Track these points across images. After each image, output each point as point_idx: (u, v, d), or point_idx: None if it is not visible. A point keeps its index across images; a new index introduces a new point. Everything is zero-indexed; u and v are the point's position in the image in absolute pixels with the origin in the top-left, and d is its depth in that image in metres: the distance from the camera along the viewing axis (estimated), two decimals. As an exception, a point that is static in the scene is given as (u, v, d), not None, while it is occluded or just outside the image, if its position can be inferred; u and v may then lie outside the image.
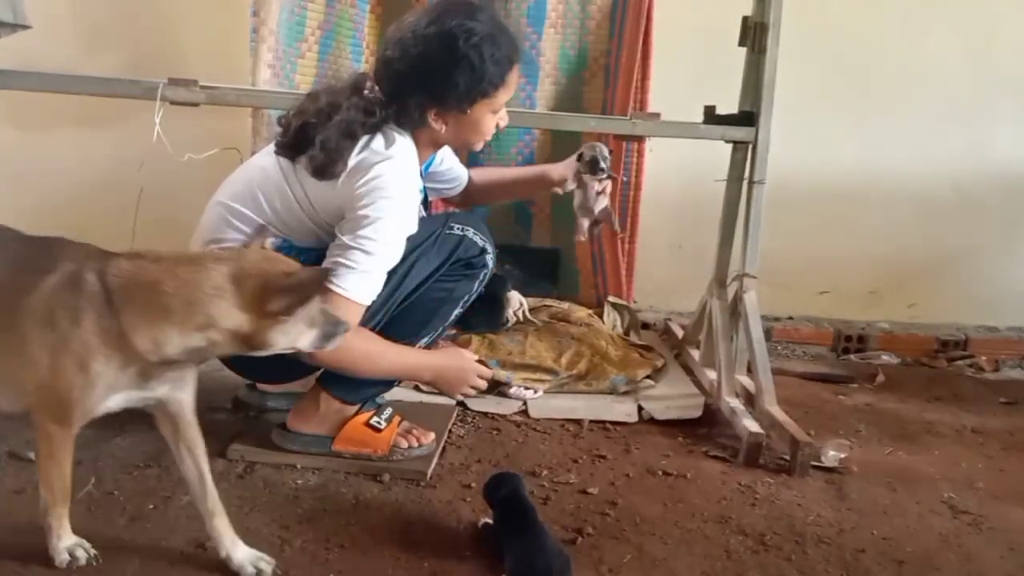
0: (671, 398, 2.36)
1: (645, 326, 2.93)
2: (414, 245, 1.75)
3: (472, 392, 1.97)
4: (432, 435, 1.93)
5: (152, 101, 2.00)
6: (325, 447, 1.85)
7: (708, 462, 2.02)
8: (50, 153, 2.85)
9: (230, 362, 1.82)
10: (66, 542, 1.43)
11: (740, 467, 1.99)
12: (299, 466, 1.84)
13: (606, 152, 2.16)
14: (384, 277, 1.67)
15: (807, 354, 3.00)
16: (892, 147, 3.02)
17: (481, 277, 1.91)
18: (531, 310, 2.62)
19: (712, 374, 2.36)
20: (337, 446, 1.85)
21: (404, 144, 1.73)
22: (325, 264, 1.62)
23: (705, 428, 2.20)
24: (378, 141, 1.69)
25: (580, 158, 2.16)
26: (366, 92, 1.76)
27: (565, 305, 2.73)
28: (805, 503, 1.84)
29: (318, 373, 1.83)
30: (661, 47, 2.64)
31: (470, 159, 2.22)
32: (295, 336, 1.34)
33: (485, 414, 2.20)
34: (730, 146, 2.36)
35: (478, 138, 1.83)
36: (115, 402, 1.34)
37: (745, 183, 2.30)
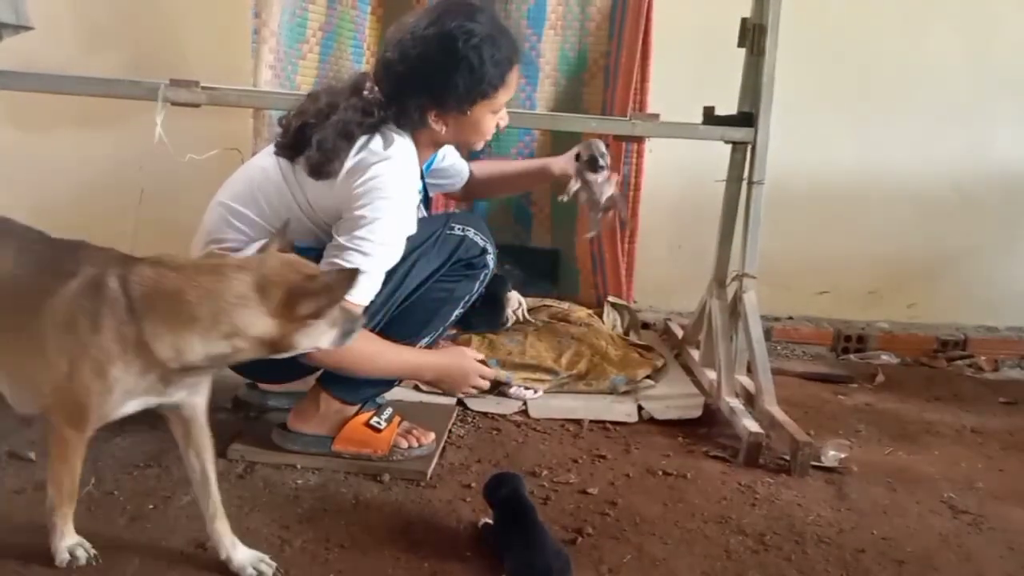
0: (671, 398, 2.36)
1: (645, 326, 2.93)
2: (415, 245, 1.75)
3: (474, 392, 1.97)
4: (432, 435, 1.93)
5: (153, 102, 2.00)
6: (325, 447, 1.85)
7: (708, 462, 2.02)
8: (51, 153, 2.84)
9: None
10: (68, 541, 1.43)
11: (740, 467, 1.99)
12: (299, 466, 1.84)
13: (603, 148, 2.16)
14: (382, 277, 1.67)
15: (807, 354, 3.00)
16: (892, 147, 3.02)
17: (482, 277, 1.91)
18: (531, 310, 2.62)
19: (712, 374, 2.36)
20: (337, 446, 1.85)
21: (403, 145, 1.73)
22: (322, 265, 1.62)
23: (705, 428, 2.20)
24: (376, 142, 1.70)
25: (579, 158, 2.16)
26: (365, 93, 1.76)
27: (565, 305, 2.73)
28: (805, 503, 1.85)
29: (318, 373, 1.83)
30: (660, 48, 2.64)
31: (471, 157, 2.23)
32: (318, 336, 1.35)
33: (485, 414, 2.20)
34: (729, 146, 2.36)
35: (478, 138, 1.84)
36: (132, 407, 1.35)
37: (744, 183, 2.30)
